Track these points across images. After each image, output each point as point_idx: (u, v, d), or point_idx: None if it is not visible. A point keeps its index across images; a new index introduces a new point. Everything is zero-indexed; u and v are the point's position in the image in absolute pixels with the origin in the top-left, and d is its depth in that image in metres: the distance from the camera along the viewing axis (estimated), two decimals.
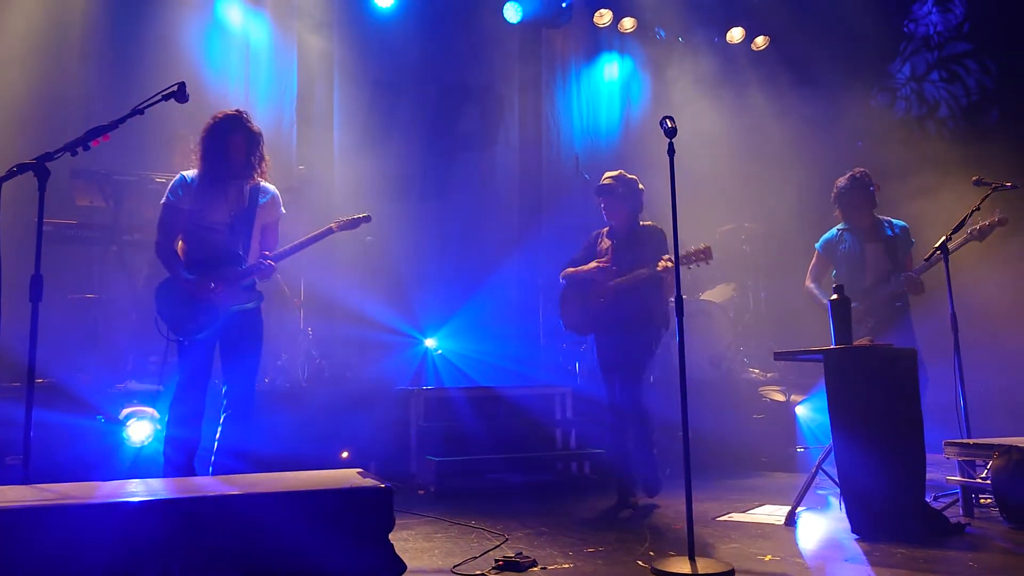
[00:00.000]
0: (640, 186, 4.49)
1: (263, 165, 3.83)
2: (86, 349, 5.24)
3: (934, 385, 4.48)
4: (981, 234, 4.55)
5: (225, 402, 3.72)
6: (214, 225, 3.72)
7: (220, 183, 3.72)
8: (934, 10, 7.68)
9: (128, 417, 4.42)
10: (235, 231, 3.75)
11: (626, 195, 4.43)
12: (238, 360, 3.75)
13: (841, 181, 4.96)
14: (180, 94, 3.30)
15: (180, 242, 3.78)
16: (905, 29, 7.88)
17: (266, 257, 3.78)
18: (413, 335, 6.88)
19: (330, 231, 4.00)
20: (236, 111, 3.78)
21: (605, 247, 4.53)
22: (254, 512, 2.35)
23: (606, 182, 4.48)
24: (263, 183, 3.86)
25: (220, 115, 3.74)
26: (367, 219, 4.14)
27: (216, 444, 3.68)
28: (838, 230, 5.05)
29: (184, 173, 3.78)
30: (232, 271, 3.72)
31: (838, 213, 5.03)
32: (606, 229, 4.60)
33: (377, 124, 7.24)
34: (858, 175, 4.88)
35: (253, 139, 3.76)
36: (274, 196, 3.90)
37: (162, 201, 3.75)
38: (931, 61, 7.72)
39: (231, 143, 3.70)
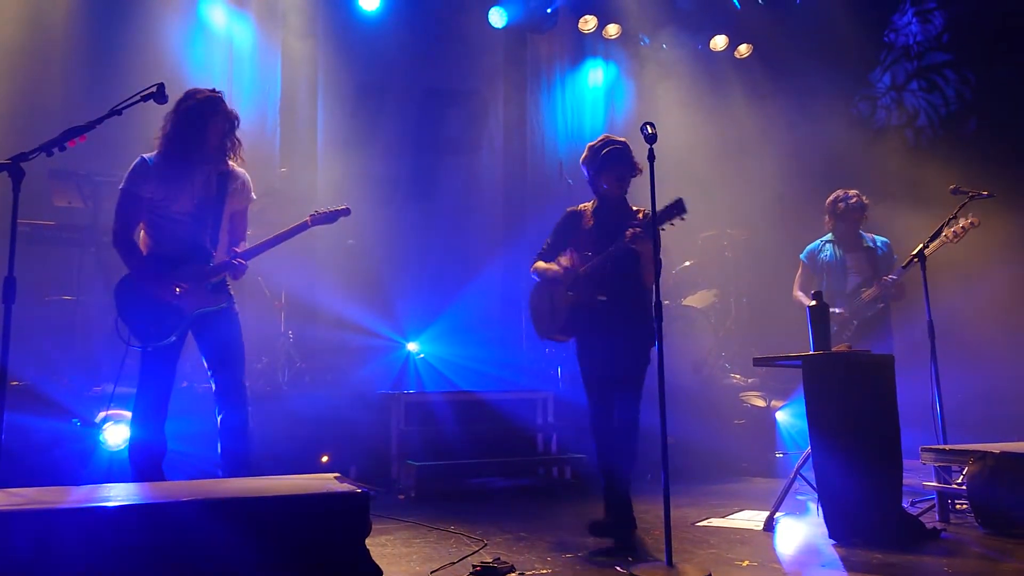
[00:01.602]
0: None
1: (238, 150, 3.61)
2: (63, 351, 5.18)
3: (911, 391, 4.52)
4: (956, 237, 4.62)
5: (218, 407, 3.51)
6: (177, 216, 3.48)
7: (188, 168, 3.49)
8: (914, 20, 7.78)
9: (105, 420, 4.37)
10: (201, 222, 3.51)
11: (634, 164, 3.84)
12: (222, 365, 3.53)
13: (842, 195, 5.07)
14: (159, 95, 3.25)
15: (142, 233, 3.55)
16: (885, 39, 7.98)
17: (236, 255, 3.56)
18: (395, 339, 6.86)
19: (305, 226, 3.73)
20: (214, 92, 3.55)
21: (590, 225, 3.84)
22: (228, 517, 2.32)
23: (620, 146, 3.82)
24: (234, 168, 3.64)
25: (196, 95, 3.50)
26: (346, 212, 3.83)
27: (219, 447, 3.49)
28: (821, 241, 5.19)
29: (144, 156, 3.51)
30: (199, 269, 3.50)
31: (829, 222, 5.13)
32: (590, 204, 3.93)
33: (361, 128, 7.20)
34: (862, 201, 5.06)
35: (230, 122, 3.56)
36: (244, 181, 3.68)
37: (120, 187, 3.48)
38: (910, 71, 7.82)
39: (208, 127, 3.48)
